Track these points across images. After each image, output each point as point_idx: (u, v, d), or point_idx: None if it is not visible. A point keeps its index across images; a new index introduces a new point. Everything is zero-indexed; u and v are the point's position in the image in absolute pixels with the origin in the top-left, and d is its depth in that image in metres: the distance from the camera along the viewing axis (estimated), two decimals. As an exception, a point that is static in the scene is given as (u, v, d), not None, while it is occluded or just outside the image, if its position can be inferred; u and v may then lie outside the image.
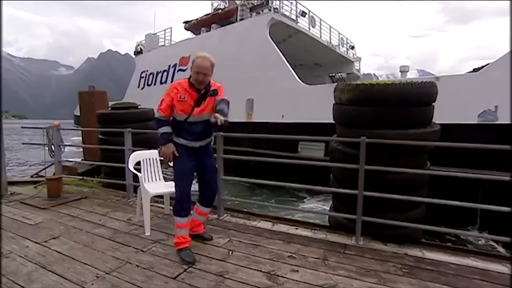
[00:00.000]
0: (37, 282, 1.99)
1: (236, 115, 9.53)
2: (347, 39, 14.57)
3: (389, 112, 2.58)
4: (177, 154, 2.32)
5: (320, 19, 12.45)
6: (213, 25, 12.84)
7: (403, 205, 2.60)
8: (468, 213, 5.02)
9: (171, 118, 2.34)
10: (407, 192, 2.50)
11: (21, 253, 2.40)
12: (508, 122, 5.11)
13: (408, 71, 8.42)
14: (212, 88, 2.33)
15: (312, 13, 12.02)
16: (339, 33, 13.76)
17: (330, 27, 13.13)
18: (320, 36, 12.32)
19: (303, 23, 11.71)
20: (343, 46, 14.19)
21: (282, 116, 8.59)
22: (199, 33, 13.70)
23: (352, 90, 2.73)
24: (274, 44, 9.80)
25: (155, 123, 2.36)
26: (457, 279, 2.05)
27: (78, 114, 21.88)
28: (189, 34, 15.53)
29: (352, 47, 15.01)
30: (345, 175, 2.85)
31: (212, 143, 2.55)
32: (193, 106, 2.25)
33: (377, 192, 2.50)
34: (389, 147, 2.51)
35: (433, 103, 2.73)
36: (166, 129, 2.32)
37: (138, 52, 17.52)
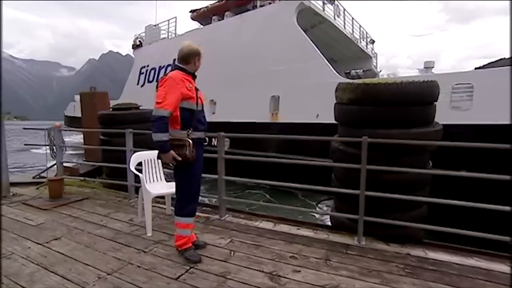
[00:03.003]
0: (39, 283, 1.99)
1: (258, 114, 8.71)
2: (366, 32, 13.33)
3: (390, 111, 2.57)
4: (189, 155, 2.11)
5: (344, 9, 11.28)
6: (227, 13, 11.36)
7: (405, 205, 2.59)
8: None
9: (180, 112, 2.16)
10: (409, 191, 2.49)
11: (23, 254, 2.40)
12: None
13: (433, 66, 7.57)
14: None
15: (338, 1, 10.81)
16: (360, 25, 12.58)
17: (353, 18, 11.97)
18: (344, 27, 11.22)
19: (328, 11, 10.41)
20: (363, 40, 12.93)
21: (317, 116, 7.38)
22: (210, 23, 12.23)
23: (354, 90, 2.71)
24: (304, 33, 8.57)
25: (154, 124, 2.04)
26: (461, 279, 2.04)
27: (70, 114, 20.94)
28: (195, 25, 14.00)
29: (373, 42, 13.74)
30: (347, 175, 2.84)
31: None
32: (196, 93, 2.23)
33: (379, 192, 2.49)
34: (390, 146, 2.50)
35: (435, 102, 2.72)
36: (167, 136, 2.08)
37: (136, 46, 15.70)
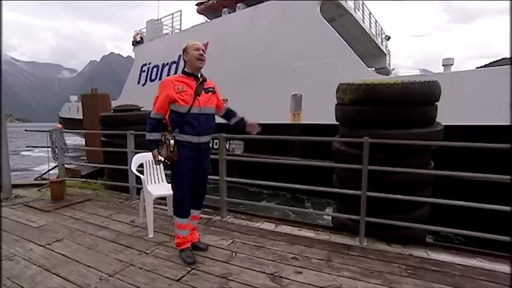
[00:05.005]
0: (41, 285, 2.00)
1: (277, 115, 8.06)
2: (381, 28, 12.64)
3: (392, 112, 2.56)
4: (164, 154, 2.16)
5: (363, 2, 10.61)
6: (238, 4, 10.51)
7: (407, 205, 2.58)
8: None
9: (169, 114, 2.20)
10: (411, 192, 2.48)
11: (25, 256, 2.41)
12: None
13: (452, 64, 6.83)
14: (210, 85, 2.29)
15: None
16: (376, 20, 11.92)
17: (370, 12, 11.26)
18: (363, 21, 10.47)
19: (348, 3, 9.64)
20: (378, 36, 12.16)
21: None
22: (219, 16, 11.27)
23: (355, 91, 2.71)
24: (329, 25, 7.85)
25: (147, 124, 2.20)
26: (464, 280, 2.03)
27: (65, 116, 19.97)
28: (202, 19, 13.21)
29: (388, 38, 13.01)
30: (348, 175, 2.84)
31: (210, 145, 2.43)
32: (194, 95, 2.16)
33: (381, 192, 2.48)
34: (392, 147, 2.50)
35: (436, 103, 2.71)
36: (155, 135, 2.19)
37: (137, 42, 14.78)
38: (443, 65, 6.86)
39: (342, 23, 9.68)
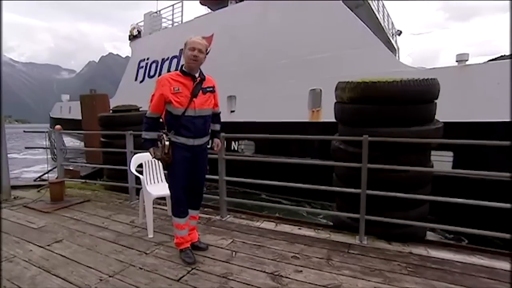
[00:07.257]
0: (41, 286, 1.99)
1: (292, 112, 7.45)
2: (392, 22, 12.03)
3: (391, 110, 2.56)
4: (158, 155, 2.17)
5: None
6: None
7: (407, 203, 2.58)
8: None
9: (165, 114, 2.18)
10: (411, 190, 2.48)
11: (25, 257, 2.40)
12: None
13: (467, 59, 6.30)
14: (209, 84, 2.24)
15: None
16: (388, 14, 11.34)
17: (383, 5, 10.68)
18: (378, 13, 9.87)
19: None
20: (390, 31, 11.53)
21: None
22: (224, 7, 10.38)
23: (354, 89, 2.71)
24: (353, 14, 7.23)
25: (143, 123, 2.22)
26: (463, 278, 2.03)
27: (56, 116, 19.54)
28: (205, 11, 12.38)
29: (399, 33, 12.35)
30: (348, 174, 2.84)
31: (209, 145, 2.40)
32: (190, 97, 2.11)
33: (381, 190, 2.48)
34: (391, 145, 2.50)
35: (436, 100, 2.71)
36: (151, 135, 2.20)
37: (134, 37, 13.85)
38: (457, 61, 6.29)
39: (357, 14, 8.90)
